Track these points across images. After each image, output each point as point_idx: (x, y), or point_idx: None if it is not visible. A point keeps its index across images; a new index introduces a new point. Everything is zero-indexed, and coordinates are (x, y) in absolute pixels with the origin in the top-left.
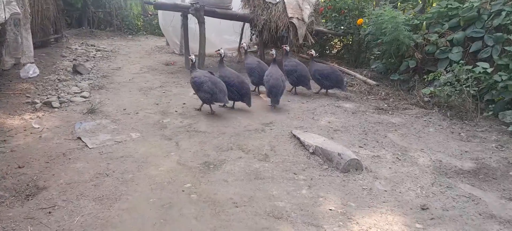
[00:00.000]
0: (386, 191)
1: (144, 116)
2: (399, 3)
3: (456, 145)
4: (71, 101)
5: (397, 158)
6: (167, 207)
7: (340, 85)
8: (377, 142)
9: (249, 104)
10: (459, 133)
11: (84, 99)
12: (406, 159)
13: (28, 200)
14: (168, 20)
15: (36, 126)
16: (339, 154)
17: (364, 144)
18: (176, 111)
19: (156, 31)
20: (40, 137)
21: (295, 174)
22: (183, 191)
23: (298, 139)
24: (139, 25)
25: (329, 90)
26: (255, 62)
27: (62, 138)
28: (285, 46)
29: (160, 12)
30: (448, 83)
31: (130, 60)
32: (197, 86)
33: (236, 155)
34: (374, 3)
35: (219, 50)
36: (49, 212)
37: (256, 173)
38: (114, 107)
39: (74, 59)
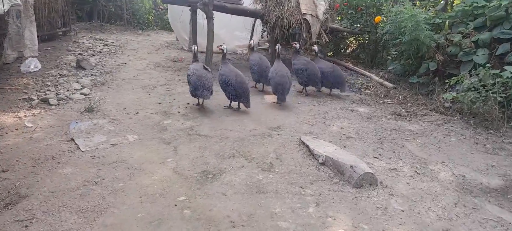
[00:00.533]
0: (403, 211)
1: (144, 116)
2: (418, 1)
3: (481, 157)
4: (70, 98)
5: (416, 171)
6: (156, 224)
7: (338, 86)
8: (394, 152)
9: (247, 105)
10: (484, 144)
11: (83, 96)
12: (425, 173)
13: (7, 209)
14: (177, 15)
15: (29, 125)
16: (351, 167)
17: (379, 154)
18: (178, 112)
19: (167, 26)
20: (31, 137)
21: (301, 188)
22: (175, 205)
23: (307, 146)
24: (150, 19)
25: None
26: (257, 58)
27: (54, 139)
28: (295, 44)
29: (169, 6)
30: (472, 88)
31: (137, 55)
32: (187, 79)
33: (238, 163)
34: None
35: (221, 46)
36: (26, 226)
37: (258, 186)
38: (114, 106)
39: (79, 54)
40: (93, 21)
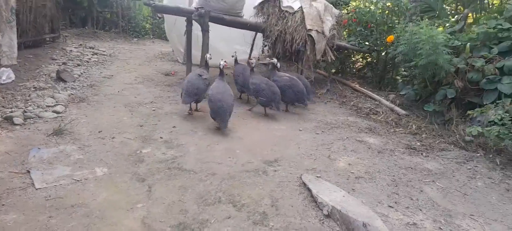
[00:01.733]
0: None
1: (120, 142)
2: (426, 19)
3: None
4: (39, 117)
5: (440, 228)
6: None
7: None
8: (411, 199)
9: (221, 126)
10: None
11: (56, 115)
12: None
13: None
14: (171, 25)
15: None
16: (364, 225)
17: (395, 202)
18: (161, 138)
19: (164, 35)
20: None
21: None
22: None
23: (310, 190)
24: (147, 28)
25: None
26: (240, 69)
27: (7, 170)
28: (272, 60)
29: (165, 15)
30: (499, 122)
31: (127, 67)
32: None
33: (224, 213)
34: (407, 19)
35: (220, 62)
36: None
37: None
38: (89, 128)
39: (63, 63)
40: (86, 27)
